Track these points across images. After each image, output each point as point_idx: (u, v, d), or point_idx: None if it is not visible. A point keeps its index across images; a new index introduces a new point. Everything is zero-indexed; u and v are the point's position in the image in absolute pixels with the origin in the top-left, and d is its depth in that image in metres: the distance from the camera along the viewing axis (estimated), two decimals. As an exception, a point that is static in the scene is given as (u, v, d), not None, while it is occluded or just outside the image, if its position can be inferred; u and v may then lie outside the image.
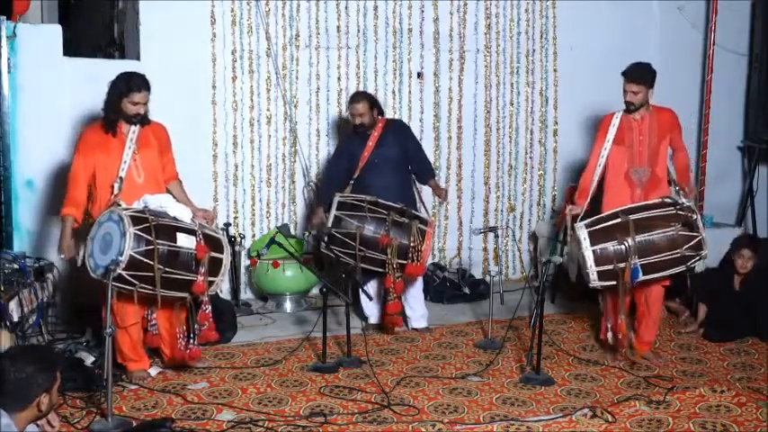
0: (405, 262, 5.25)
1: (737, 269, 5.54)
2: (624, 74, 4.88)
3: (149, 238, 4.28)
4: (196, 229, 4.49)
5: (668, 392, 4.34)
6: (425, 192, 5.95)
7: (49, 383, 3.20)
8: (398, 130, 5.71)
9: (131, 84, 4.52)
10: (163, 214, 4.46)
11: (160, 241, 4.31)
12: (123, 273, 4.20)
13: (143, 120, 4.60)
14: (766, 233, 6.85)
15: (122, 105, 4.52)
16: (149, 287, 4.34)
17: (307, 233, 6.55)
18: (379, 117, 5.63)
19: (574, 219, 4.92)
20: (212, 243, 4.56)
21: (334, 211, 5.25)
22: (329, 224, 5.24)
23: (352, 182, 5.52)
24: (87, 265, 4.35)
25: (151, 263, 4.27)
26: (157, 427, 3.84)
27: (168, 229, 4.39)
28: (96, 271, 4.30)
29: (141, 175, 4.60)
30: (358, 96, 5.66)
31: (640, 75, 4.83)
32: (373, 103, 5.61)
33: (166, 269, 4.33)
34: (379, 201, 5.34)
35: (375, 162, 5.53)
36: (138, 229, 4.25)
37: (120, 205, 4.44)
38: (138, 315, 4.58)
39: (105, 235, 4.31)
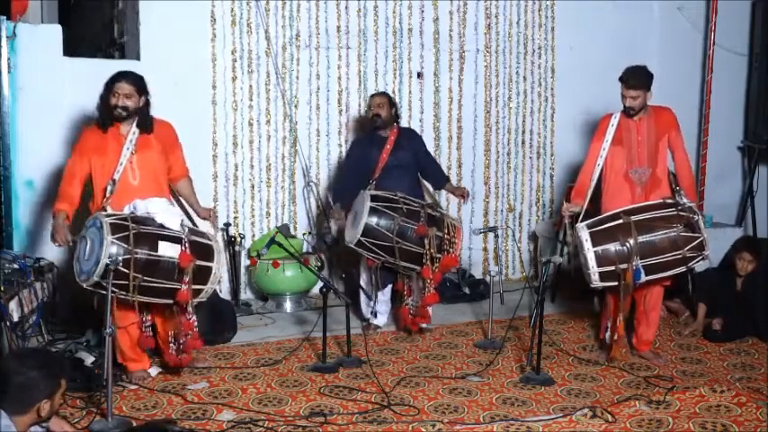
0: (439, 255, 5.26)
1: (737, 271, 5.54)
2: (622, 80, 4.86)
3: (127, 246, 4.22)
4: (182, 237, 4.41)
5: (668, 392, 4.34)
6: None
7: (51, 390, 3.19)
8: (411, 137, 5.74)
9: (115, 76, 4.52)
10: (148, 221, 4.38)
11: (138, 250, 4.25)
12: (100, 280, 4.14)
13: (142, 124, 4.56)
14: (766, 233, 6.84)
15: (110, 101, 4.50)
16: (126, 293, 4.27)
17: (306, 233, 6.56)
18: (395, 123, 5.64)
19: (572, 217, 4.92)
20: (201, 250, 4.49)
21: (368, 203, 5.18)
22: (365, 217, 5.15)
23: (373, 182, 5.49)
24: (74, 269, 4.34)
25: (127, 271, 4.21)
26: (161, 428, 3.82)
27: (150, 238, 4.32)
28: (80, 276, 4.27)
29: (137, 177, 4.55)
30: (380, 92, 5.80)
31: (638, 80, 4.82)
32: (392, 102, 5.67)
33: (145, 277, 4.27)
34: (408, 196, 5.34)
35: (393, 166, 5.52)
36: (116, 238, 4.19)
37: (106, 210, 4.40)
38: (136, 315, 4.56)
39: (89, 240, 4.28)
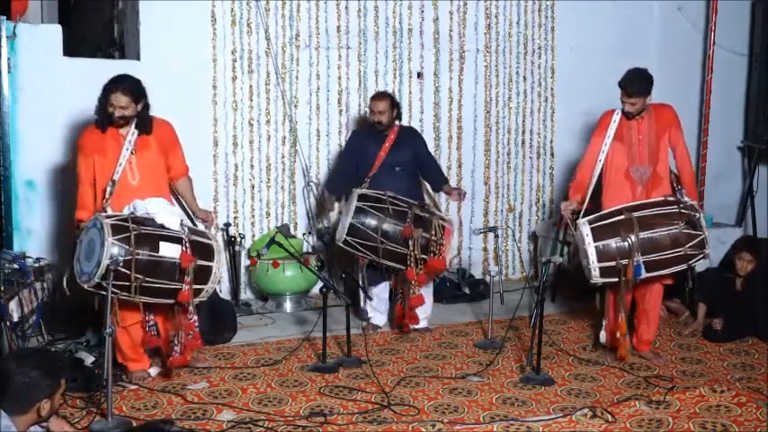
0: (425, 256, 5.26)
1: (737, 271, 5.54)
2: (621, 86, 4.83)
3: (128, 247, 4.22)
4: (183, 237, 4.41)
5: (668, 392, 4.35)
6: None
7: (51, 390, 3.20)
8: (412, 136, 5.72)
9: (111, 86, 4.49)
10: (148, 221, 4.38)
11: (139, 251, 4.25)
12: (102, 281, 4.14)
13: (141, 126, 4.55)
14: (766, 233, 6.84)
15: (107, 109, 4.49)
16: (127, 294, 4.27)
17: (306, 233, 6.57)
18: (396, 121, 5.63)
19: (573, 214, 4.93)
20: (201, 250, 4.49)
21: (355, 203, 5.22)
22: (351, 216, 5.19)
23: (367, 179, 5.49)
24: (75, 270, 4.34)
25: (129, 272, 4.21)
26: (159, 429, 3.83)
27: (151, 238, 4.32)
28: (81, 277, 4.27)
29: (136, 178, 4.55)
30: (381, 95, 5.67)
31: (637, 88, 4.79)
32: (394, 103, 5.62)
33: (147, 278, 4.27)
34: (399, 196, 5.34)
35: (390, 163, 5.51)
36: (117, 239, 4.19)
37: (105, 211, 4.40)
38: (138, 315, 4.56)
39: (90, 241, 4.27)
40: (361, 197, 5.26)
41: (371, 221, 5.21)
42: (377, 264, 5.33)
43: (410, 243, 5.21)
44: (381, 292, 5.59)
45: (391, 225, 5.22)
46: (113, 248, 4.16)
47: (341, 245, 5.31)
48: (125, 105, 4.48)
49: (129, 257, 4.21)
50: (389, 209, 5.24)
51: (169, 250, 4.35)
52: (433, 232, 5.27)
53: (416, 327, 5.61)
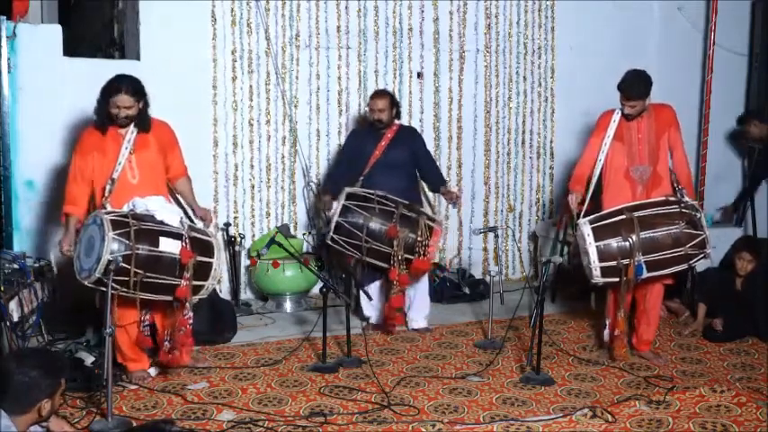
0: (411, 257, 5.25)
1: (737, 271, 5.54)
2: (621, 90, 4.83)
3: (128, 243, 4.23)
4: (183, 233, 4.42)
5: (668, 392, 4.35)
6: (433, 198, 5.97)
7: (52, 389, 3.20)
8: (410, 136, 5.71)
9: (113, 86, 4.49)
10: (148, 218, 4.39)
11: (140, 246, 4.26)
12: (102, 277, 4.14)
13: (140, 124, 4.56)
14: (766, 233, 6.85)
15: (109, 108, 4.50)
16: (127, 290, 4.27)
17: (306, 233, 6.57)
18: (395, 120, 5.63)
19: (577, 207, 4.92)
20: (201, 247, 4.50)
21: (342, 201, 5.23)
22: (337, 214, 5.21)
23: (361, 178, 5.50)
24: (74, 267, 4.35)
25: (129, 267, 4.22)
26: (160, 429, 3.83)
27: (151, 234, 4.33)
28: (81, 273, 4.28)
29: (136, 177, 4.56)
30: (380, 93, 5.66)
31: (637, 92, 4.80)
32: (394, 102, 5.62)
33: (147, 273, 4.27)
34: (389, 195, 5.33)
35: (385, 163, 5.51)
36: (117, 234, 4.20)
37: (105, 208, 4.41)
38: (137, 314, 4.56)
39: (89, 238, 4.28)
40: (350, 196, 5.28)
41: (357, 220, 5.22)
42: (363, 263, 5.34)
43: (394, 243, 5.22)
44: (373, 290, 5.59)
45: (377, 224, 5.22)
46: (113, 244, 4.17)
47: (329, 243, 5.34)
48: (129, 105, 4.49)
49: (129, 252, 4.22)
50: (376, 208, 5.24)
51: (169, 246, 4.37)
52: (420, 232, 5.27)
53: (416, 327, 5.62)
